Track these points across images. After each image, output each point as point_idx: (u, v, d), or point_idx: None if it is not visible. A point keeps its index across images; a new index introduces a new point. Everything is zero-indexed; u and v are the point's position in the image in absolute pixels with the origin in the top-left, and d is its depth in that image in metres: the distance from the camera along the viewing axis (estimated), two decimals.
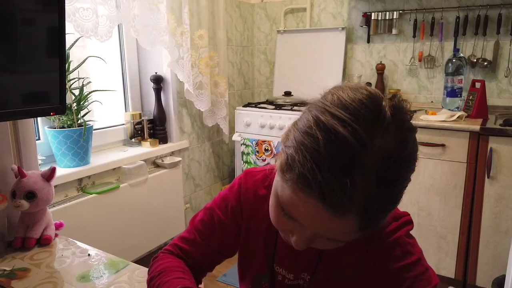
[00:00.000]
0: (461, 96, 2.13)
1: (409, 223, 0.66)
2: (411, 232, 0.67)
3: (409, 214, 0.67)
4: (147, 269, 0.89)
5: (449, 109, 2.11)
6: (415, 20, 2.34)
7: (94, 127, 1.81)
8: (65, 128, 1.68)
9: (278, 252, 0.74)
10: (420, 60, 2.38)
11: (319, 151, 0.47)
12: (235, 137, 2.51)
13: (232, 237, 0.77)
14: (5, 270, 0.90)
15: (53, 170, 1.04)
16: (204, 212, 0.79)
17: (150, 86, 2.20)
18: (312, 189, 0.48)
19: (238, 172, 2.55)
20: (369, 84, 2.41)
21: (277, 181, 0.56)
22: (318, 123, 0.50)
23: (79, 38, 1.66)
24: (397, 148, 0.49)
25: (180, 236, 0.80)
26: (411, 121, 0.52)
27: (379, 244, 0.63)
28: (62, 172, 1.65)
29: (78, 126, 1.69)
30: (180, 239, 0.79)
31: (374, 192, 0.48)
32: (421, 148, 1.94)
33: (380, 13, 2.44)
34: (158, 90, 2.19)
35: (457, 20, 2.22)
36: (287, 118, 2.28)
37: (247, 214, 0.76)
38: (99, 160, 1.85)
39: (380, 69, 2.46)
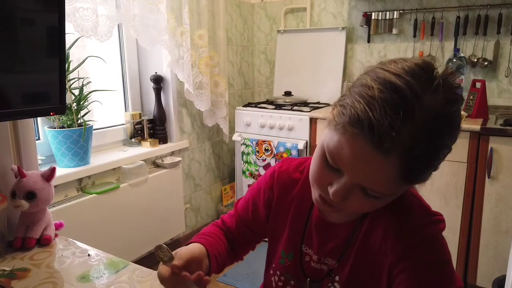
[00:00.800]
0: None
1: (442, 221, 0.67)
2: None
3: (442, 215, 0.68)
4: (147, 269, 0.89)
5: None
6: (416, 20, 2.33)
7: (94, 127, 1.80)
8: (65, 128, 1.68)
9: (307, 232, 0.76)
10: None
11: (373, 97, 0.52)
12: (235, 137, 2.51)
13: (262, 219, 0.83)
14: (5, 270, 0.90)
15: (53, 170, 1.04)
16: (246, 194, 0.87)
17: (150, 86, 2.20)
18: (362, 126, 0.51)
19: (238, 172, 2.55)
20: None
21: (324, 135, 0.60)
22: (374, 78, 0.54)
23: (79, 38, 1.66)
24: (445, 107, 0.53)
25: (229, 212, 0.89)
26: (457, 92, 0.56)
27: (411, 235, 0.64)
28: (62, 172, 1.65)
29: (78, 126, 1.69)
30: (227, 214, 0.89)
31: (419, 139, 0.51)
32: None
33: (380, 12, 2.44)
34: (158, 90, 2.19)
35: (458, 20, 2.22)
36: (287, 118, 2.28)
37: (278, 193, 0.80)
38: (99, 160, 1.85)
39: None
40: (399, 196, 0.67)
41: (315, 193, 0.65)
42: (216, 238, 0.80)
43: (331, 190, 0.59)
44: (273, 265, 0.81)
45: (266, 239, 0.86)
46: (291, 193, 0.78)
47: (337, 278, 0.72)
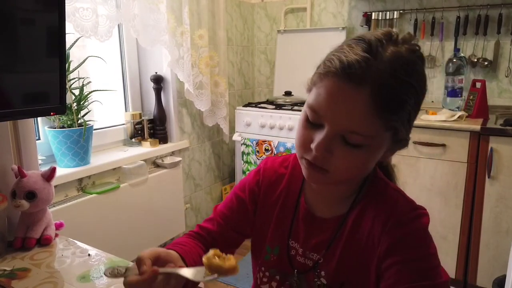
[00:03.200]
0: (461, 96, 2.13)
1: (427, 215, 0.68)
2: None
3: (426, 209, 0.69)
4: None
5: (449, 109, 2.10)
6: (416, 20, 2.33)
7: (94, 127, 1.80)
8: (65, 128, 1.68)
9: (294, 225, 0.77)
10: None
11: (342, 47, 0.61)
12: (235, 137, 2.51)
13: (248, 214, 0.83)
14: (5, 270, 0.90)
15: (53, 170, 1.04)
16: (227, 197, 0.88)
17: (150, 86, 2.20)
18: (335, 66, 0.58)
19: (239, 172, 2.55)
20: None
21: (305, 103, 0.66)
22: (344, 41, 0.64)
23: (79, 38, 1.66)
24: (408, 53, 0.60)
25: (205, 219, 0.87)
26: (417, 45, 0.63)
27: (399, 229, 0.65)
28: (62, 172, 1.65)
29: (78, 126, 1.69)
30: (204, 220, 0.86)
31: (385, 74, 0.57)
32: (421, 148, 1.94)
33: (380, 12, 2.44)
34: (158, 90, 2.19)
35: (458, 19, 2.22)
36: (287, 118, 2.28)
37: (264, 190, 0.82)
38: (99, 160, 1.85)
39: None
40: (383, 191, 0.69)
41: (302, 162, 0.67)
42: (190, 247, 0.75)
43: (313, 145, 0.62)
44: (259, 262, 0.81)
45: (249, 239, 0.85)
46: (278, 188, 0.80)
47: (322, 273, 0.72)
